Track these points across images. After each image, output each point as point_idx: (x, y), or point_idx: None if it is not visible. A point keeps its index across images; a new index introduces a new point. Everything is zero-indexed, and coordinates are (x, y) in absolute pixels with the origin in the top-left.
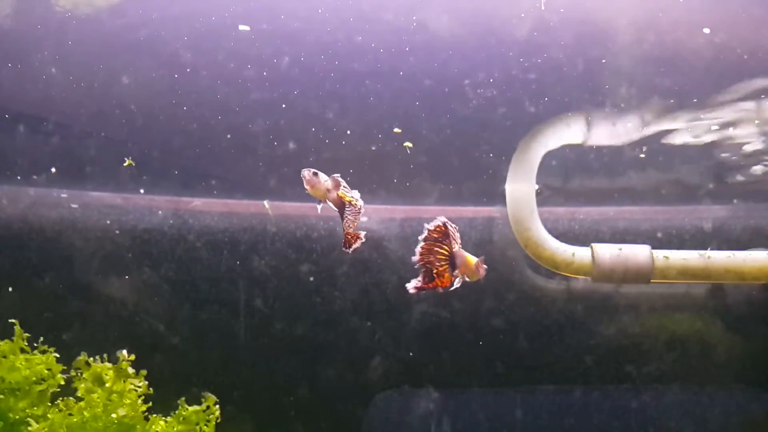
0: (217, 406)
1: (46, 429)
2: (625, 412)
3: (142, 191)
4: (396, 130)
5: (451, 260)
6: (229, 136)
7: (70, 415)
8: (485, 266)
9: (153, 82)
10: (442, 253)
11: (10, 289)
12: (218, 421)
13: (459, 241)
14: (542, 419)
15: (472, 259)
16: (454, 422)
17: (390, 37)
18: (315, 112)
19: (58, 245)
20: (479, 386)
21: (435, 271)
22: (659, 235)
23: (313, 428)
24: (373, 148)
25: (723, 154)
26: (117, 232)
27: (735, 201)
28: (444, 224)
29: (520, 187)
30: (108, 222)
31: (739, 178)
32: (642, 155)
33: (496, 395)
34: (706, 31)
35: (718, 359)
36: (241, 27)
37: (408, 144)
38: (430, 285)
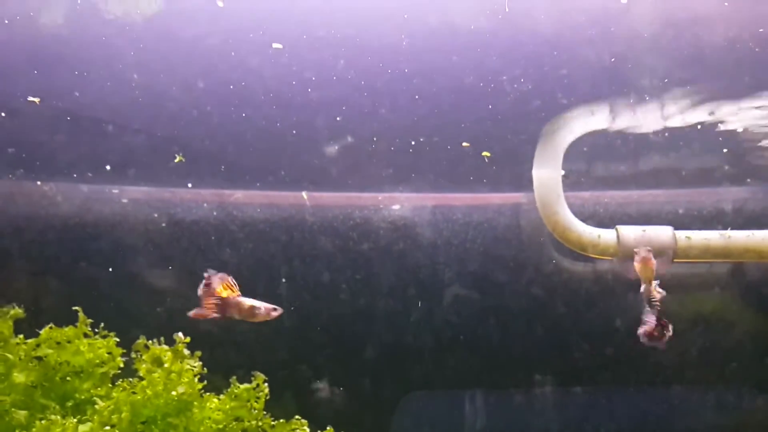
0: (266, 384)
1: (111, 406)
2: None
3: (189, 185)
4: (464, 144)
5: None
6: (294, 131)
7: (134, 393)
8: None
9: (198, 83)
10: None
11: (69, 279)
12: (267, 398)
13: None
14: None
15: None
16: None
17: (433, 39)
18: (364, 110)
19: (111, 238)
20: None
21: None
22: (681, 216)
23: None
24: (419, 141)
25: (742, 137)
26: (164, 224)
27: (752, 182)
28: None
29: (547, 172)
30: (156, 215)
31: (758, 160)
32: (663, 140)
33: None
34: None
35: None
36: (275, 45)
37: (486, 153)
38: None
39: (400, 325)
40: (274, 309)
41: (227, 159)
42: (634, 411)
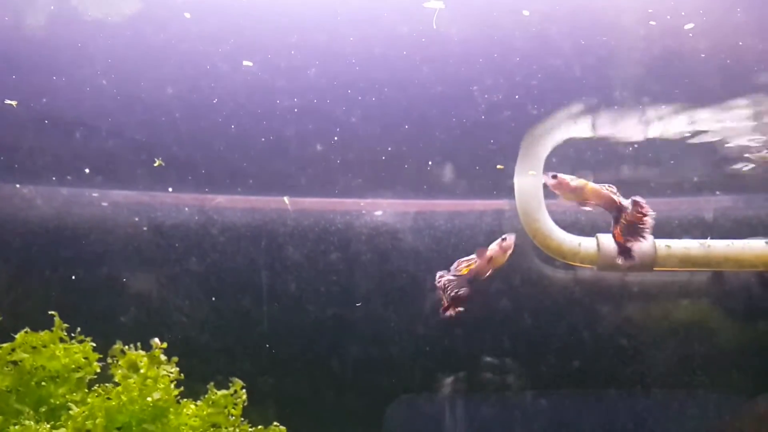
0: (244, 390)
1: (86, 412)
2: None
3: (170, 189)
4: (499, 166)
5: None
6: (263, 138)
7: (108, 399)
8: None
9: (177, 85)
10: None
11: (46, 282)
12: (245, 404)
13: None
14: None
15: None
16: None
17: (405, 48)
18: (336, 117)
19: (90, 241)
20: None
21: None
22: (662, 225)
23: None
24: (390, 149)
25: (724, 146)
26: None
27: (732, 191)
28: None
29: (528, 180)
30: (136, 219)
31: (738, 170)
32: (644, 148)
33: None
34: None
35: None
36: (245, 62)
37: (500, 166)
38: None
39: (380, 331)
40: (503, 239)
41: (208, 163)
42: (615, 416)
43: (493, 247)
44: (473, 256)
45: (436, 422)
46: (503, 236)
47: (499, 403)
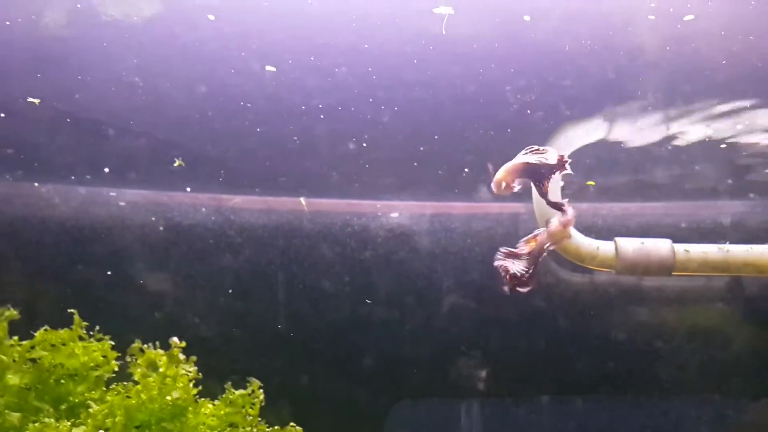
0: (261, 390)
1: (106, 410)
2: None
3: (188, 189)
4: (589, 182)
5: None
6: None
7: (128, 397)
8: None
9: (198, 87)
10: None
11: (64, 280)
12: (262, 404)
13: None
14: None
15: None
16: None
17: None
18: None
19: (108, 241)
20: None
21: None
22: (680, 229)
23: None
24: (422, 149)
25: (742, 152)
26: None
27: (753, 196)
28: None
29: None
30: (153, 218)
31: (758, 174)
32: (663, 153)
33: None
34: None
35: None
36: (268, 68)
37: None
38: None
39: (397, 333)
40: (562, 211)
41: (226, 164)
42: (633, 424)
43: (553, 221)
44: (535, 232)
45: (450, 425)
46: (562, 209)
47: (514, 406)
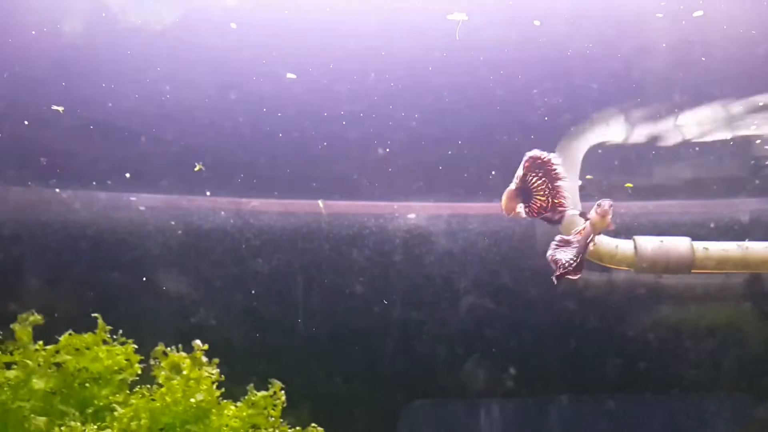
0: (283, 391)
1: (131, 413)
2: None
3: (208, 193)
4: (628, 184)
5: None
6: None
7: (152, 400)
8: None
9: (219, 92)
10: None
11: (88, 286)
12: (284, 406)
13: None
14: None
15: None
16: None
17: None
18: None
19: (128, 245)
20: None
21: None
22: (699, 227)
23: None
24: (450, 153)
25: (760, 149)
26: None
27: None
28: None
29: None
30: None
31: None
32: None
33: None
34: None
35: None
36: (289, 75)
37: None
38: None
39: (416, 334)
40: (598, 205)
41: (245, 167)
42: (653, 421)
43: (592, 214)
44: (581, 225)
45: (469, 426)
46: (597, 202)
47: (525, 406)
